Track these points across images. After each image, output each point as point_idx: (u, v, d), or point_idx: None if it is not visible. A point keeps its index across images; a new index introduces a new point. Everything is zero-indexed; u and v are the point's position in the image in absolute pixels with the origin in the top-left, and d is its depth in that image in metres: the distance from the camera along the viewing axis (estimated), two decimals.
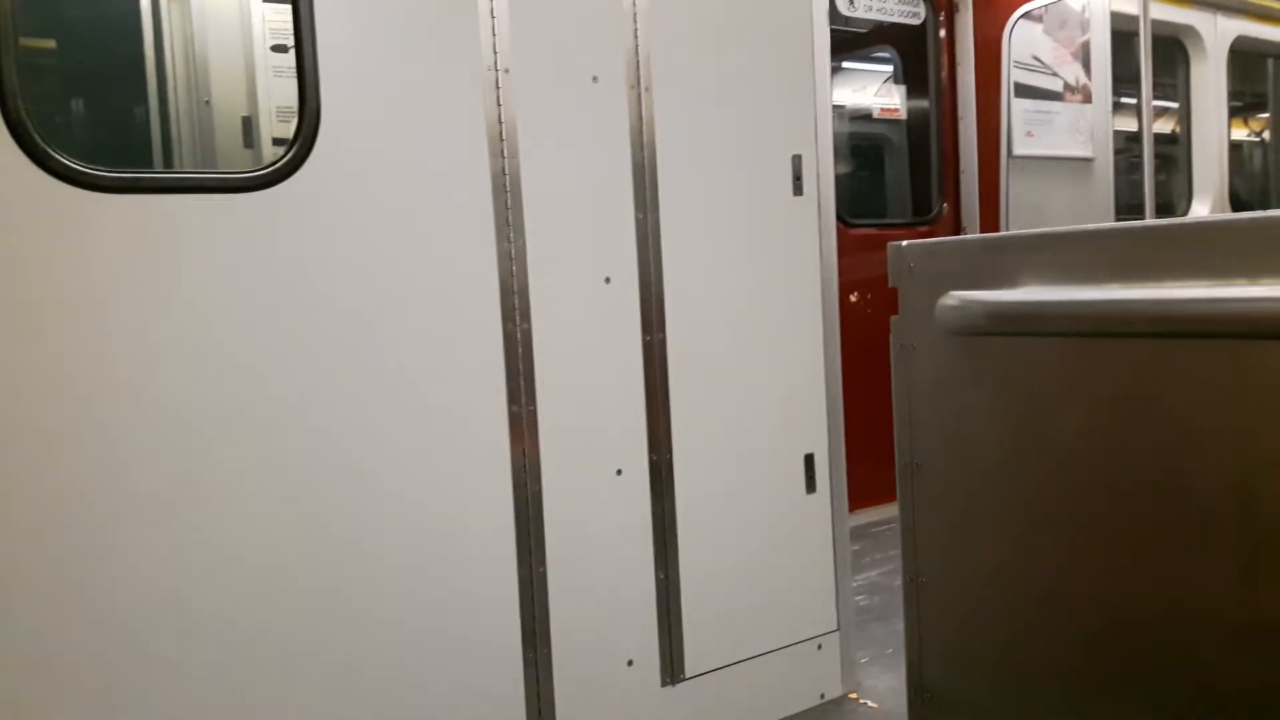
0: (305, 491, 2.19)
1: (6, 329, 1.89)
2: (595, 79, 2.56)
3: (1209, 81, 6.18)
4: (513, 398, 2.44)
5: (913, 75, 5.42)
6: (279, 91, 3.16)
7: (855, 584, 3.64)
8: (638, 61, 2.62)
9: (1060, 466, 1.70)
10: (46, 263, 1.93)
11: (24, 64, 1.97)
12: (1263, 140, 7.68)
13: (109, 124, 3.39)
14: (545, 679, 2.51)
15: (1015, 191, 5.09)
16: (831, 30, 3.06)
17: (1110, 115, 5.51)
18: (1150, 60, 5.25)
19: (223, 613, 2.11)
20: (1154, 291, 1.56)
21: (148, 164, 3.31)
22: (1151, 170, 5.46)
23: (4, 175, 1.88)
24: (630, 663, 2.66)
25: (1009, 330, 1.76)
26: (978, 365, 1.82)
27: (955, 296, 1.79)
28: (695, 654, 2.76)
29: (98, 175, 1.97)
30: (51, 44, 3.19)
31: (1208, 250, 1.52)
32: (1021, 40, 5.13)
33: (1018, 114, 5.10)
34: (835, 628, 3.04)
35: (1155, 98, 5.59)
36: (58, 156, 1.93)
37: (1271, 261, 1.43)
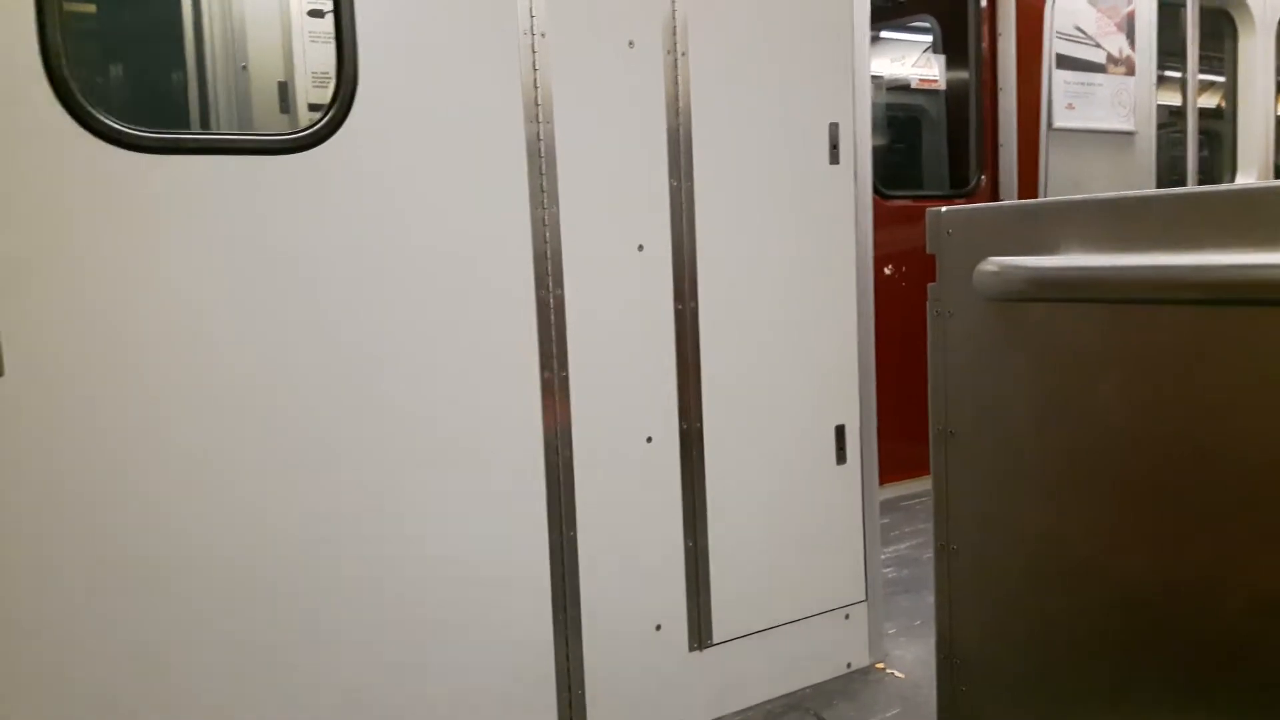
0: (336, 451, 2.21)
1: (50, 286, 1.92)
2: (632, 44, 2.55)
3: (1257, 55, 6.05)
4: (545, 363, 2.45)
5: (952, 45, 5.34)
6: (314, 56, 3.17)
7: (884, 556, 3.64)
8: (675, 26, 2.60)
9: (1097, 434, 1.69)
10: (89, 220, 1.96)
11: (67, 28, 1.99)
12: None
13: (149, 87, 3.42)
14: (574, 641, 2.53)
15: (1054, 165, 5.02)
16: None
17: (1154, 88, 5.41)
18: (1197, 32, 5.14)
19: (260, 572, 2.15)
20: (1196, 258, 1.54)
21: (187, 127, 3.34)
22: (1195, 145, 5.36)
23: (50, 135, 1.91)
24: (658, 627, 2.68)
25: (1048, 296, 1.74)
26: (1015, 331, 1.80)
27: (994, 262, 1.77)
28: (723, 620, 2.78)
29: (139, 136, 1.99)
30: (92, 9, 3.22)
31: (1251, 217, 1.50)
32: (1064, 10, 5.03)
33: (1059, 86, 5.02)
34: (863, 598, 3.05)
35: (1201, 71, 5.49)
36: (101, 117, 1.95)
37: None
